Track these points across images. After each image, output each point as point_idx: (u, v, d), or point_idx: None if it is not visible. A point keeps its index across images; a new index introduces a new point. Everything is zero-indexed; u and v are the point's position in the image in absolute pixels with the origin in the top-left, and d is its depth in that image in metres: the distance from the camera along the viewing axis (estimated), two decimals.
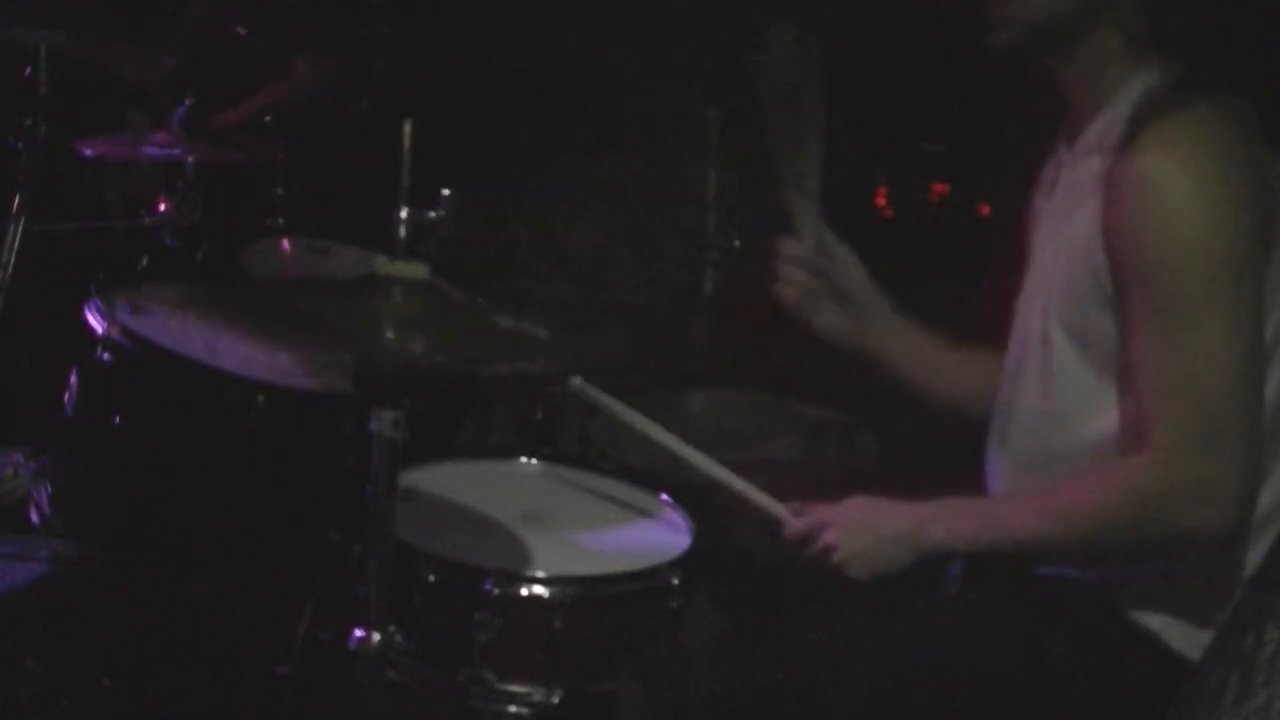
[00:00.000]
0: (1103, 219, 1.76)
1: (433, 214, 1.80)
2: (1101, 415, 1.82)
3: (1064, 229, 1.86)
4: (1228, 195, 1.70)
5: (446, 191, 1.79)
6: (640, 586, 2.06)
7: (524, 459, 2.46)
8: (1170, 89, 1.77)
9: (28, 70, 2.85)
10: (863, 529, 1.92)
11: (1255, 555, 1.79)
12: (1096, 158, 1.81)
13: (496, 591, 2.00)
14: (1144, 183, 1.71)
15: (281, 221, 3.45)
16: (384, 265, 1.79)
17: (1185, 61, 1.81)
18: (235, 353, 2.49)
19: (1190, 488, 1.69)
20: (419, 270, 1.79)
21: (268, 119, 3.84)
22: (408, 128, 1.74)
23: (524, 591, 2.01)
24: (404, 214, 1.78)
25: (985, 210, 3.72)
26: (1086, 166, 1.83)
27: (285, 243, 3.28)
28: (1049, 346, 1.87)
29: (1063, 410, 1.87)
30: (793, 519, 2.00)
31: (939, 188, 3.74)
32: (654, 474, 2.40)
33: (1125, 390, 1.79)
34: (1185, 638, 1.79)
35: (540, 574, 2.04)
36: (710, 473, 2.10)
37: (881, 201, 3.82)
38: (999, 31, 1.85)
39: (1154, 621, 1.80)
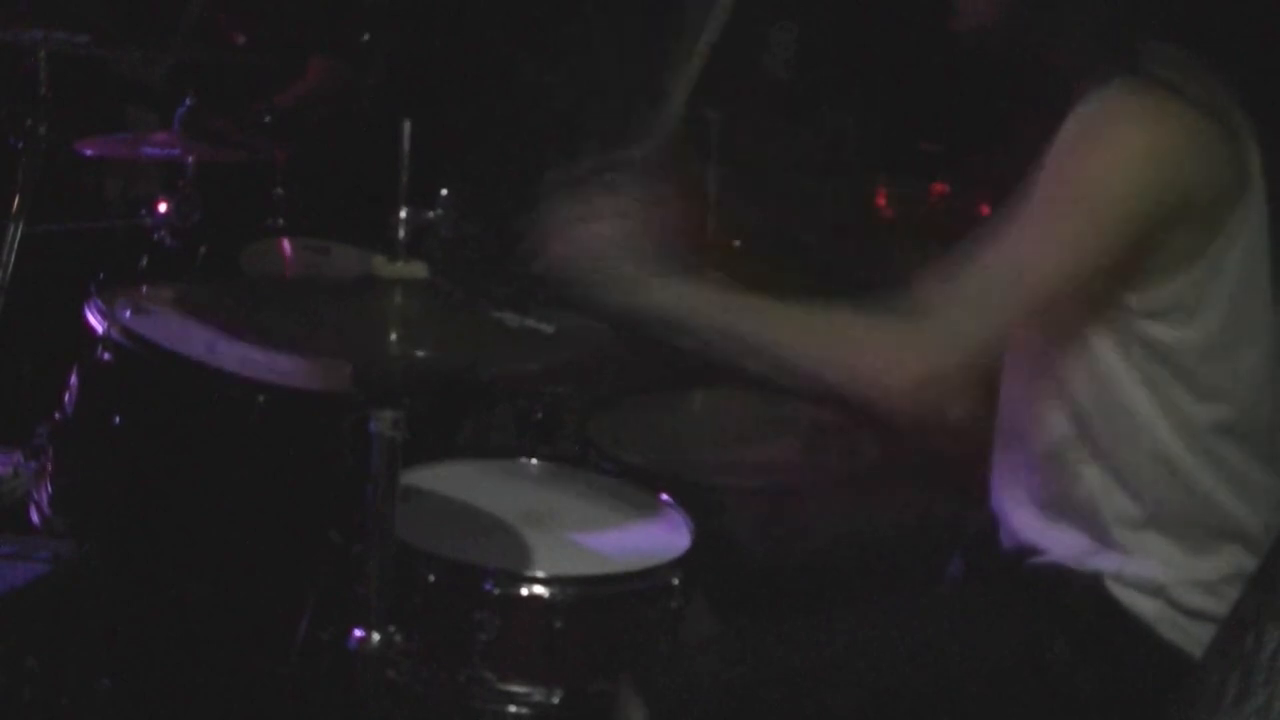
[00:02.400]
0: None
1: (431, 214, 1.80)
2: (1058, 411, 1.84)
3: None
4: (1158, 160, 1.71)
5: (445, 191, 1.79)
6: (640, 586, 2.06)
7: (524, 459, 2.46)
8: (1165, 63, 1.77)
9: (28, 66, 2.85)
10: (590, 242, 1.87)
11: (1250, 553, 1.79)
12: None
13: (496, 591, 2.00)
14: (1081, 119, 1.73)
15: (281, 221, 3.45)
16: (383, 265, 1.80)
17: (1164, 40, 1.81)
18: (235, 353, 2.50)
19: (926, 347, 1.72)
20: (417, 270, 1.79)
21: (267, 119, 3.84)
22: (407, 128, 1.74)
23: (524, 591, 2.01)
24: (403, 214, 1.78)
25: (985, 210, 3.72)
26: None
27: (285, 243, 3.28)
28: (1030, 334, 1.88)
29: (1031, 399, 1.88)
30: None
31: (939, 188, 3.74)
32: (654, 474, 2.40)
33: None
34: (1182, 631, 1.79)
35: (540, 574, 2.04)
36: None
37: (881, 201, 3.82)
38: (963, 17, 1.87)
39: (1150, 613, 1.80)
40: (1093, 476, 1.81)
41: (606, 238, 1.86)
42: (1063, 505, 1.85)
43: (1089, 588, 1.82)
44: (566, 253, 1.88)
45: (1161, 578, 1.79)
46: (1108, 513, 1.81)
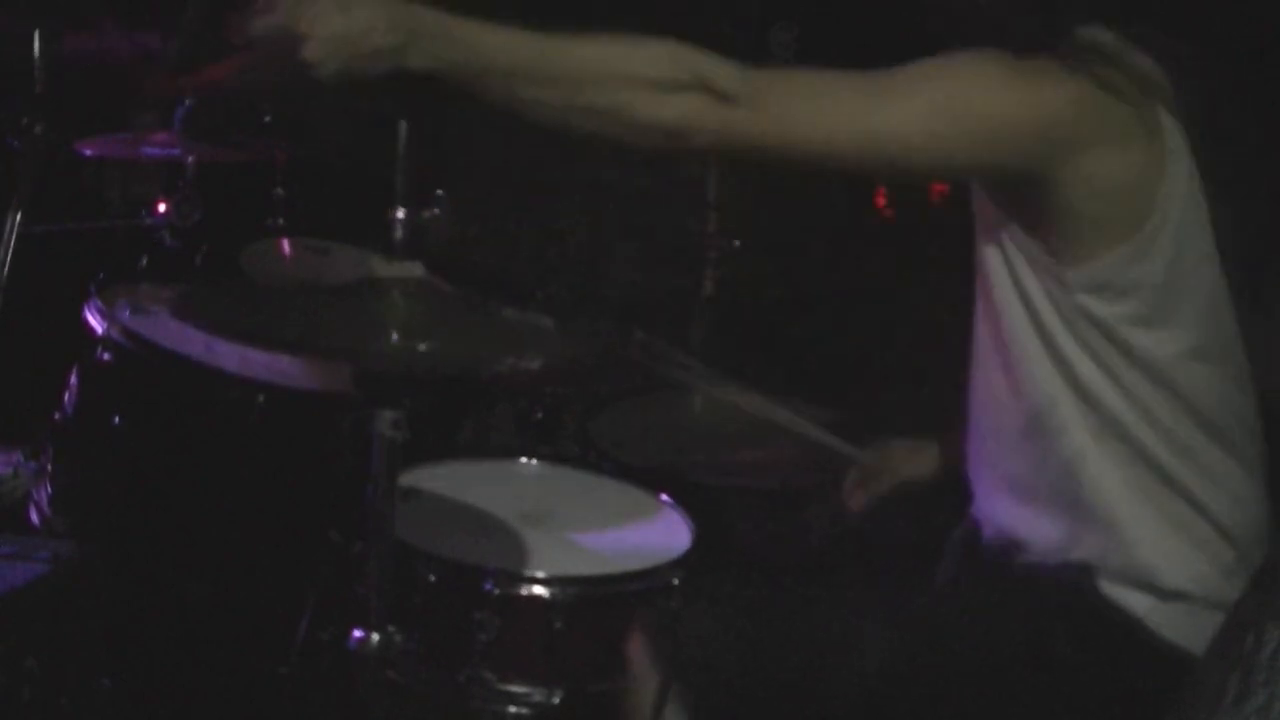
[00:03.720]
0: None
1: (428, 214, 1.80)
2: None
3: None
4: (1040, 110, 1.72)
5: (441, 191, 1.79)
6: (640, 586, 2.06)
7: (524, 459, 2.46)
8: (1088, 47, 1.78)
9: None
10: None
11: (1228, 544, 1.80)
12: None
13: (496, 591, 2.00)
14: (981, 62, 1.74)
15: (281, 221, 3.45)
16: (380, 265, 1.80)
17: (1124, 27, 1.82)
18: (235, 353, 2.50)
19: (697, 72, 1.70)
20: (414, 269, 1.79)
21: (267, 119, 3.84)
22: (404, 128, 1.74)
23: (524, 591, 2.01)
24: (400, 214, 1.78)
25: None
26: None
27: (285, 243, 3.28)
28: (997, 333, 1.89)
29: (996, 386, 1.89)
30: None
31: (939, 188, 3.74)
32: (654, 474, 2.40)
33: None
34: (1177, 626, 1.79)
35: (540, 574, 2.04)
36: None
37: (881, 201, 3.82)
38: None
39: (1145, 609, 1.80)
40: (1066, 445, 1.82)
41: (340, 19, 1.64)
42: (1037, 492, 1.85)
43: (1077, 585, 1.82)
44: (321, 49, 1.64)
45: (1142, 564, 1.80)
46: (1086, 480, 1.82)
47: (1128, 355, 1.78)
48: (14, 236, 2.67)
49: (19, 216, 2.67)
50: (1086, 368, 1.79)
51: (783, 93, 1.73)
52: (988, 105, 1.73)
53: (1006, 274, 1.83)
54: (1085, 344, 1.78)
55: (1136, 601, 1.80)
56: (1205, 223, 1.82)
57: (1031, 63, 1.74)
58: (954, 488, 2.03)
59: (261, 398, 2.51)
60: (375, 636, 1.80)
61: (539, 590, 2.01)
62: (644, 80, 1.72)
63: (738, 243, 3.34)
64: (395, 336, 1.73)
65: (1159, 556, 1.80)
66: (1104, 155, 1.75)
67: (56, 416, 2.69)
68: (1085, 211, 1.75)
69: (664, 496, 2.31)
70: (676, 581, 2.07)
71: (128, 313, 2.65)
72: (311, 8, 1.62)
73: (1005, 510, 1.91)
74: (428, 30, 1.66)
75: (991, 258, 1.84)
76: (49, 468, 2.65)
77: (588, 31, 1.73)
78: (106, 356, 2.60)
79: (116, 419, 2.57)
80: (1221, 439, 1.82)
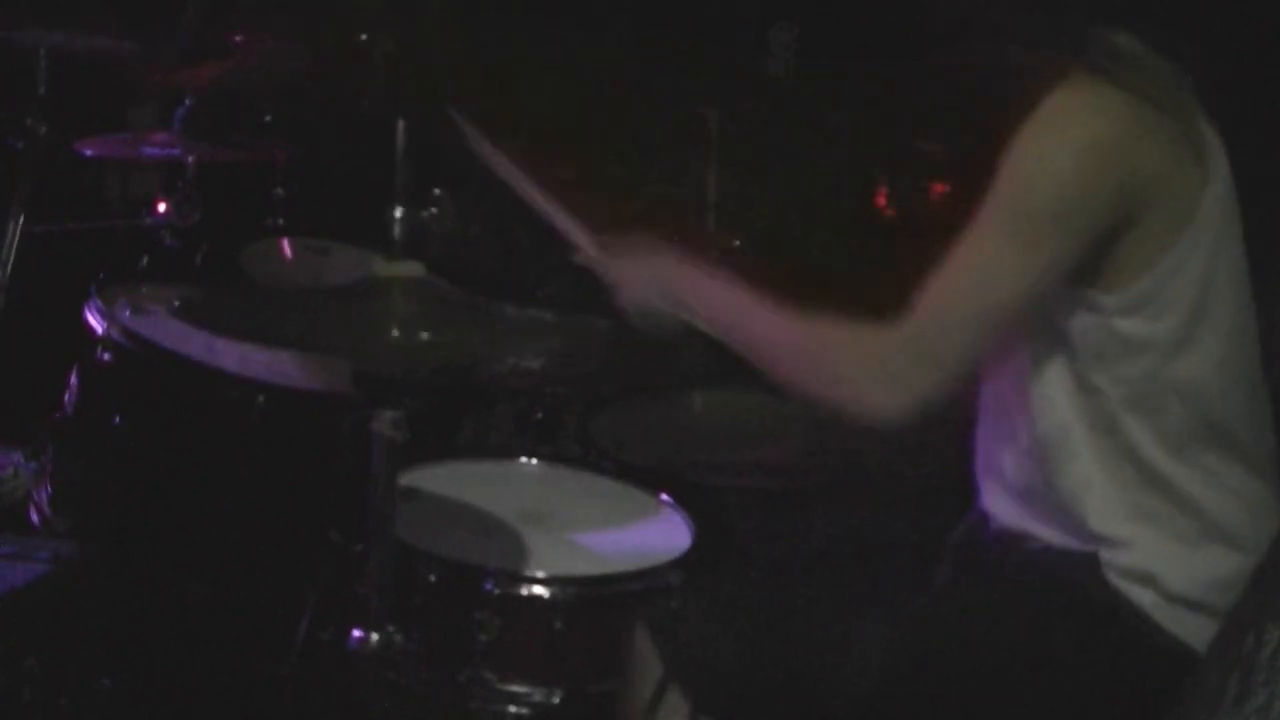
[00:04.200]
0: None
1: (426, 213, 1.80)
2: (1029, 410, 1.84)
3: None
4: (1105, 156, 1.71)
5: (438, 191, 1.80)
6: (640, 586, 2.06)
7: (524, 459, 2.46)
8: (1114, 57, 1.78)
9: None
10: (637, 264, 2.00)
11: (1238, 554, 1.80)
12: None
13: (496, 591, 2.00)
14: (1033, 122, 1.73)
15: (281, 221, 3.45)
16: (380, 265, 1.80)
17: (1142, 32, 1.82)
18: (235, 353, 2.50)
19: (894, 369, 1.74)
20: (413, 269, 1.79)
21: (267, 119, 3.84)
22: (402, 127, 1.74)
23: (524, 591, 2.01)
24: (399, 213, 1.78)
25: None
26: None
27: (285, 243, 3.28)
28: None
29: (1008, 397, 1.89)
30: (590, 248, 2.08)
31: (939, 188, 3.74)
32: (654, 474, 2.40)
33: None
34: (1180, 623, 1.79)
35: (540, 574, 2.04)
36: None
37: (881, 201, 3.82)
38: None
39: (1149, 606, 1.80)
40: (1073, 472, 1.82)
41: (643, 285, 1.99)
42: (1046, 499, 1.85)
43: (1084, 576, 1.82)
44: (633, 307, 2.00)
45: (1150, 569, 1.80)
46: (1090, 508, 1.81)
47: (1156, 379, 1.76)
48: (17, 237, 2.68)
49: (22, 217, 2.68)
50: (1114, 395, 1.77)
51: (934, 340, 1.74)
52: (1074, 185, 1.71)
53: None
54: (1115, 374, 1.76)
55: (1141, 596, 1.80)
56: (1238, 232, 1.81)
57: (1085, 105, 1.72)
58: (954, 488, 2.03)
59: (261, 398, 2.51)
60: (375, 636, 1.80)
61: (539, 590, 2.01)
62: (824, 377, 1.80)
63: (738, 243, 3.34)
64: (395, 336, 1.73)
65: (1166, 568, 1.80)
66: (1162, 171, 1.74)
67: (56, 416, 2.69)
68: (1142, 223, 1.74)
69: (664, 496, 2.31)
70: (676, 581, 2.07)
71: (128, 313, 2.65)
72: (617, 272, 2.02)
73: (1011, 511, 1.91)
74: (679, 302, 1.96)
75: None
76: (49, 468, 2.65)
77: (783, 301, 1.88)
78: (106, 356, 2.60)
79: (116, 419, 2.57)
80: (1240, 452, 1.81)
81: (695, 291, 1.96)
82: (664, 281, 1.97)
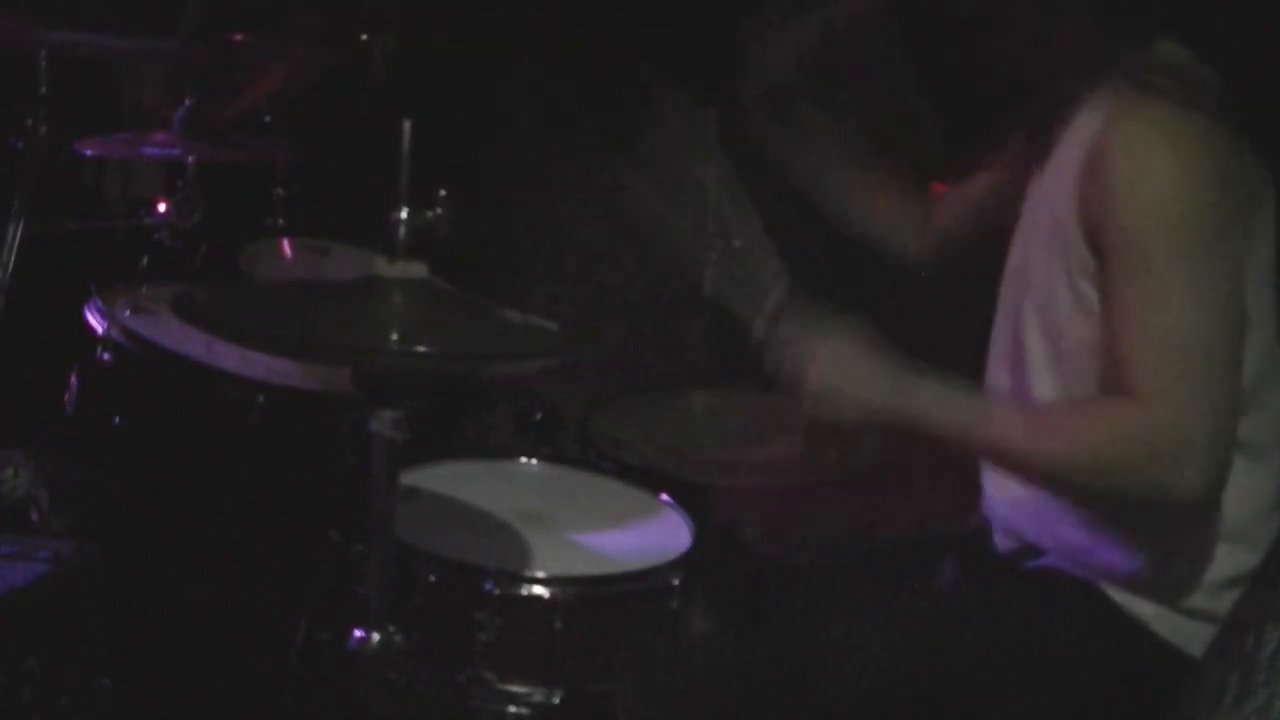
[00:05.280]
0: (1081, 193, 1.77)
1: (430, 214, 1.80)
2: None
3: (1041, 217, 1.86)
4: (1205, 166, 1.72)
5: (443, 192, 1.79)
6: (640, 586, 2.06)
7: (524, 459, 2.46)
8: (1148, 67, 1.77)
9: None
10: (839, 371, 1.88)
11: (1252, 554, 1.79)
12: (1075, 143, 1.81)
13: (496, 591, 2.00)
14: (1127, 152, 1.72)
15: (281, 221, 3.44)
16: (382, 265, 1.80)
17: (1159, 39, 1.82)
18: (235, 353, 2.50)
19: (1174, 440, 1.67)
20: (417, 269, 1.79)
21: (267, 119, 3.83)
22: (408, 127, 1.74)
23: (524, 591, 2.01)
24: (403, 214, 1.78)
25: None
26: (1067, 152, 1.84)
27: (285, 243, 3.27)
28: (1020, 341, 1.88)
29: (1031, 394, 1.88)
30: (773, 334, 1.98)
31: (939, 188, 3.73)
32: (654, 474, 2.40)
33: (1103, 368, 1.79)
34: (1177, 629, 1.79)
35: (540, 574, 2.04)
36: None
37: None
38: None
39: (1148, 614, 1.80)
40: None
41: (832, 366, 1.89)
42: (1049, 504, 1.85)
43: (1085, 589, 1.82)
44: (818, 390, 1.89)
45: (1159, 579, 1.79)
46: (1093, 515, 1.81)
47: None
48: (18, 238, 2.68)
49: (23, 219, 2.68)
50: None
51: (1195, 408, 1.69)
52: (1209, 214, 1.71)
53: (1076, 308, 1.81)
54: None
55: (1143, 608, 1.80)
56: (1272, 238, 1.82)
57: (1174, 130, 1.73)
58: (955, 488, 2.03)
59: (261, 398, 2.51)
60: (375, 636, 1.80)
61: (539, 590, 2.01)
62: (1147, 499, 1.72)
63: (738, 243, 3.33)
64: (395, 336, 1.72)
65: (1172, 573, 1.79)
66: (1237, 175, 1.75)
67: (56, 416, 2.69)
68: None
69: (664, 496, 2.31)
70: (676, 581, 2.07)
71: (128, 313, 2.65)
72: (807, 351, 1.89)
73: (1013, 515, 1.91)
74: (877, 412, 1.85)
75: (1057, 285, 1.83)
76: (49, 468, 2.65)
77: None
78: (106, 356, 2.60)
79: (116, 419, 2.57)
80: (1255, 455, 1.81)
81: (928, 413, 1.82)
82: (869, 373, 1.86)
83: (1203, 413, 1.67)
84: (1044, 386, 1.85)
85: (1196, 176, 1.71)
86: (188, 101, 3.26)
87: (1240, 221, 1.73)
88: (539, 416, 2.73)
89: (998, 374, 1.94)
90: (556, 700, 2.00)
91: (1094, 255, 1.76)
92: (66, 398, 2.69)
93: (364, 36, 4.09)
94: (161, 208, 3.16)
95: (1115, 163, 1.72)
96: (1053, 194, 1.83)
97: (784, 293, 2.08)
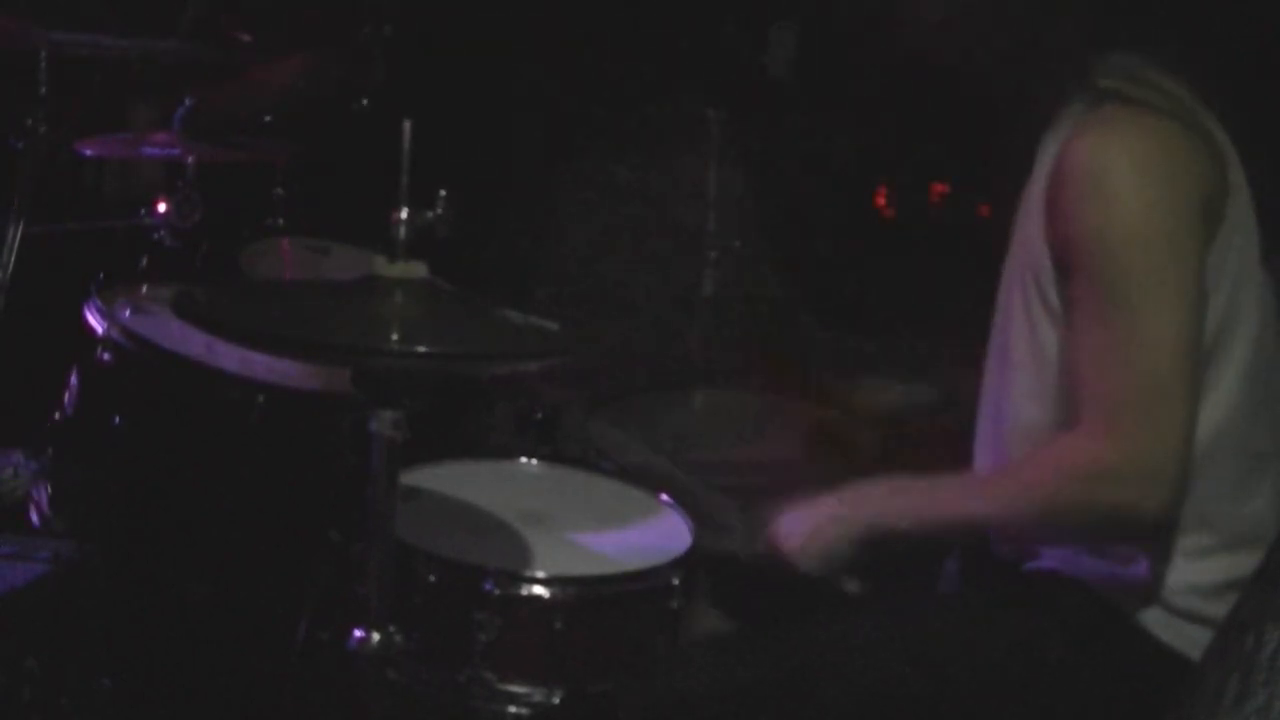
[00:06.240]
0: (1046, 206, 1.78)
1: (430, 214, 1.80)
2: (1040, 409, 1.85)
3: (1025, 222, 1.87)
4: (1166, 181, 1.71)
5: (443, 192, 1.80)
6: (640, 586, 2.06)
7: (524, 459, 2.46)
8: (1124, 78, 1.78)
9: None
10: (802, 518, 1.94)
11: (1251, 558, 1.79)
12: (1048, 155, 1.82)
13: (496, 591, 2.00)
14: (1083, 167, 1.72)
15: (281, 221, 3.44)
16: (382, 265, 1.80)
17: (1142, 48, 1.82)
18: (235, 353, 2.50)
19: (1133, 465, 1.69)
20: (417, 269, 1.79)
21: (267, 119, 3.84)
22: (408, 128, 1.74)
23: (524, 591, 2.01)
24: (403, 214, 1.78)
25: (985, 210, 3.72)
26: (1042, 164, 1.84)
27: (285, 243, 3.28)
28: (1007, 344, 1.88)
29: (1015, 399, 1.88)
30: (741, 523, 2.04)
31: (939, 188, 3.74)
32: (654, 474, 2.40)
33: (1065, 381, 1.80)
34: (1179, 633, 1.79)
35: (540, 574, 2.04)
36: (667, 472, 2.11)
37: (881, 201, 3.82)
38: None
39: (1147, 617, 1.80)
40: None
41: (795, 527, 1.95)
42: None
43: (1085, 593, 1.82)
44: (798, 555, 1.94)
45: (1158, 583, 1.79)
46: None
47: None
48: (18, 238, 2.68)
49: (23, 219, 2.68)
50: None
51: (1149, 419, 1.70)
52: (1171, 231, 1.71)
53: (1049, 320, 1.82)
54: None
55: (1142, 611, 1.80)
56: (1257, 241, 1.81)
57: (1134, 136, 1.73)
58: None
59: (261, 398, 2.51)
60: (375, 636, 1.80)
61: (539, 590, 2.01)
62: (1082, 513, 1.75)
63: (738, 243, 3.34)
64: (395, 336, 1.72)
65: (1171, 577, 1.79)
66: (1209, 178, 1.75)
67: (56, 416, 2.69)
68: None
69: (664, 496, 2.31)
70: (676, 581, 2.07)
71: (128, 313, 2.65)
72: (790, 532, 1.94)
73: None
74: (869, 525, 1.88)
75: (1029, 297, 1.84)
76: (49, 468, 2.65)
77: None
78: (106, 356, 2.60)
79: (116, 419, 2.57)
80: (1252, 458, 1.81)
81: (889, 510, 1.88)
82: (851, 519, 1.90)
83: (1159, 435, 1.69)
84: (1026, 393, 1.86)
85: (1157, 193, 1.71)
86: (188, 101, 3.26)
87: (1203, 233, 1.73)
88: (539, 416, 2.73)
89: (991, 374, 1.95)
90: (556, 700, 2.00)
91: (1058, 270, 1.78)
92: (66, 398, 2.69)
93: (365, 30, 4.09)
94: (161, 208, 3.16)
95: (1074, 180, 1.73)
96: (1030, 204, 1.84)
97: (741, 514, 2.15)
